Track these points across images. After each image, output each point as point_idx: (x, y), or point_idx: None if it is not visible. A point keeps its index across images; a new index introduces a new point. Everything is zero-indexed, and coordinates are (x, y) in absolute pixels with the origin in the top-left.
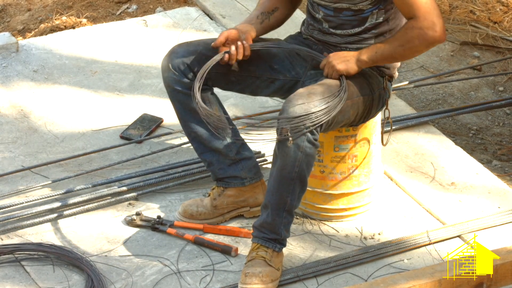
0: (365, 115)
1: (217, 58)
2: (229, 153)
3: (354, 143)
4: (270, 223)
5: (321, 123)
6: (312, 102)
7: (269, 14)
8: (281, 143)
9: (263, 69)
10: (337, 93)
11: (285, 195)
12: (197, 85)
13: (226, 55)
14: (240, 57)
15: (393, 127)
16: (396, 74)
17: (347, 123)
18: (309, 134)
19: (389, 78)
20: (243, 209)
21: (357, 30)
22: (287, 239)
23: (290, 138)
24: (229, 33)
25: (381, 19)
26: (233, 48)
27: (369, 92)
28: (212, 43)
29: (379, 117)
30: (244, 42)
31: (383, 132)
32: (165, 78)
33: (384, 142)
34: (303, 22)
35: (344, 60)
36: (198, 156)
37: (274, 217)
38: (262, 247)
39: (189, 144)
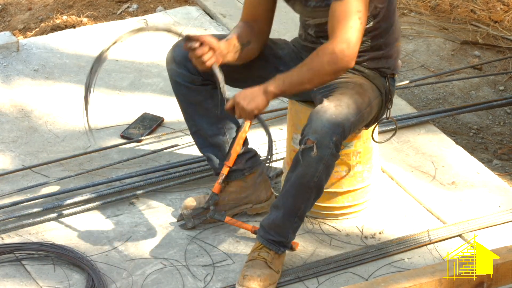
0: (378, 116)
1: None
2: (227, 147)
3: (358, 140)
4: (279, 226)
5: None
6: (339, 116)
7: (243, 46)
8: (304, 152)
9: (269, 70)
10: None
11: (300, 202)
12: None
13: (188, 44)
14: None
15: (394, 127)
16: (398, 71)
17: (362, 126)
18: (334, 148)
19: (392, 76)
20: (245, 206)
21: None
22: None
23: (315, 150)
24: (212, 42)
25: (371, 23)
26: (205, 49)
27: (378, 93)
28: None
29: None
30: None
31: (374, 129)
32: (168, 71)
33: (384, 140)
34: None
35: (252, 98)
36: (199, 151)
37: (285, 221)
38: (265, 248)
39: (190, 144)
